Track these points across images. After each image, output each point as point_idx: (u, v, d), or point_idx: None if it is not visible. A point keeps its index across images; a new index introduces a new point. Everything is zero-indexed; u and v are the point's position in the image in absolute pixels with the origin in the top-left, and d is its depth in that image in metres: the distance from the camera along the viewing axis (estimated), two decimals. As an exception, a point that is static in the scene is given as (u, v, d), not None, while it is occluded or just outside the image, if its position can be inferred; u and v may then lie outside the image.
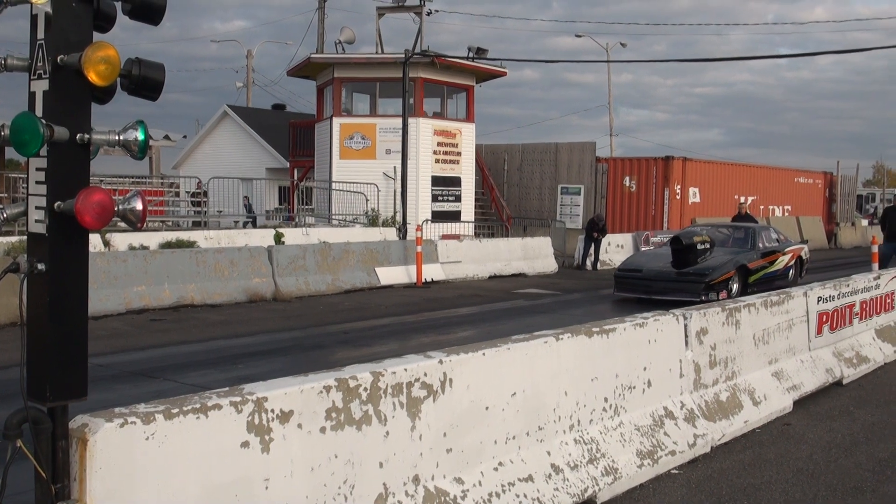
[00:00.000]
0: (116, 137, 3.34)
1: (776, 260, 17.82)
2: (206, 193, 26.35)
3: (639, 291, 16.51)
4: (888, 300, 11.22)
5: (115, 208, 3.28)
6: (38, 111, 3.28)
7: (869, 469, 6.44)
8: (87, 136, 3.29)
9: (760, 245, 17.68)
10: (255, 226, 26.17)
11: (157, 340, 11.85)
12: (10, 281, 3.91)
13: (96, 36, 3.38)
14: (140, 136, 3.33)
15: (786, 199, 37.51)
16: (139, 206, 3.35)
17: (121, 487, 3.37)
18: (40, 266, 3.30)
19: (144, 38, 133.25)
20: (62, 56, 3.22)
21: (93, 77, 3.18)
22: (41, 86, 3.29)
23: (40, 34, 3.29)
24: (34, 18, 3.31)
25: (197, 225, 24.29)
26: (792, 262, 18.52)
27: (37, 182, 3.32)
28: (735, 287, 16.15)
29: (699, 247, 16.23)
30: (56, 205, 3.26)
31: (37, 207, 3.33)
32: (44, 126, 3.15)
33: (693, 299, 14.27)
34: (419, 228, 20.50)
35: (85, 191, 3.20)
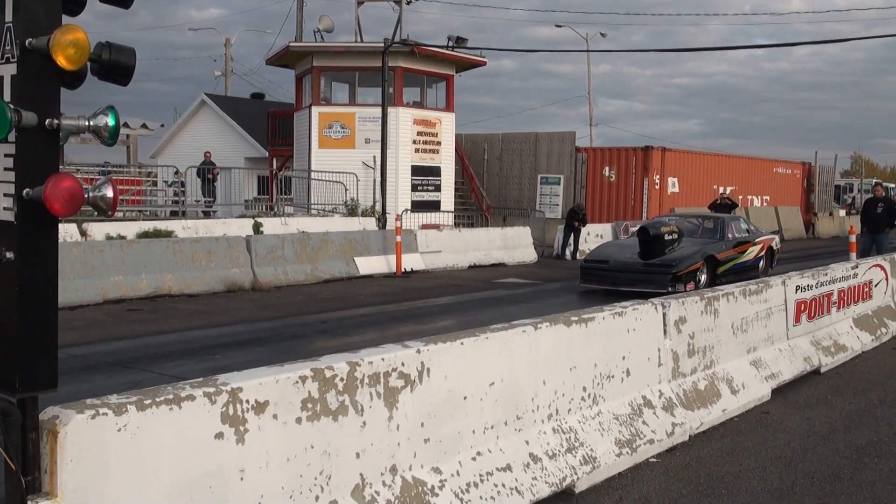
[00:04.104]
0: (86, 123, 3.28)
1: (746, 250, 17.69)
2: (183, 184, 26.03)
3: (605, 283, 16.24)
4: (866, 289, 11.29)
5: (85, 196, 3.21)
6: (6, 96, 3.21)
7: (846, 456, 6.47)
8: (56, 121, 3.22)
9: (730, 235, 17.50)
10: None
11: (133, 330, 11.75)
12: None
13: (66, 19, 3.31)
14: (110, 121, 3.27)
15: (764, 189, 37.71)
16: (109, 193, 3.27)
17: (93, 480, 3.32)
18: (9, 255, 3.23)
19: (119, 27, 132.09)
20: (30, 40, 3.15)
21: (61, 61, 3.11)
22: (9, 70, 3.22)
23: (8, 17, 3.22)
24: (1, 1, 3.24)
25: (175, 214, 24.07)
26: (762, 253, 18.38)
27: (5, 168, 3.25)
28: (703, 278, 15.97)
29: (667, 237, 15.95)
30: (25, 192, 3.19)
31: (5, 195, 3.26)
32: (12, 111, 3.08)
33: (660, 291, 14.09)
34: (399, 218, 20.44)
35: (54, 177, 3.14)
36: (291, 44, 28.29)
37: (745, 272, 17.12)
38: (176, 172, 27.58)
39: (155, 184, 28.35)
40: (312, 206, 26.37)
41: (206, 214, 25.64)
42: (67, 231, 16.77)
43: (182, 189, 26.62)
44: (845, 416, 7.69)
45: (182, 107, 43.43)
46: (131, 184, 27.18)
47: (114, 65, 3.29)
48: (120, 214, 22.30)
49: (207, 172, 27.03)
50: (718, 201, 24.42)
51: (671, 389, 6.92)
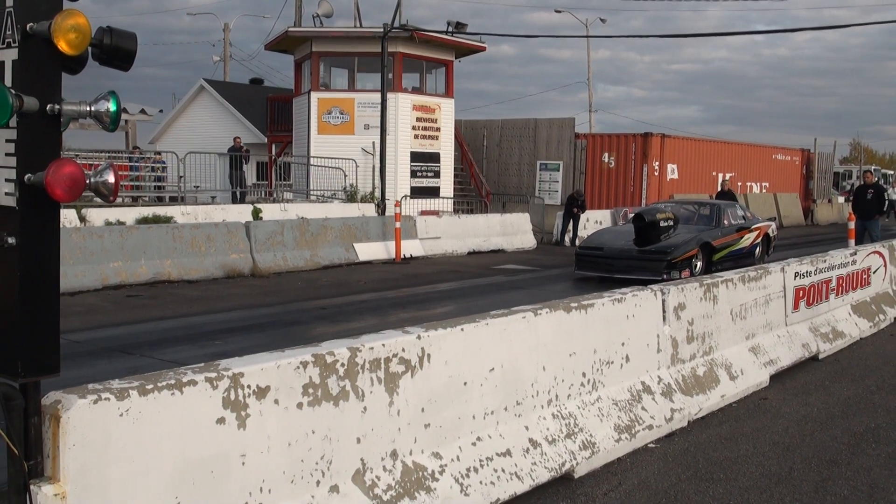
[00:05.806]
0: (87, 108, 3.26)
1: (742, 237, 17.64)
2: (164, 168, 25.98)
3: (600, 270, 16.12)
4: (864, 276, 11.31)
5: (87, 181, 3.20)
6: (7, 81, 3.20)
7: (844, 442, 6.50)
8: (57, 106, 3.21)
9: (726, 222, 17.42)
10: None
11: (133, 316, 11.76)
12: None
13: (67, 4, 3.30)
14: (112, 106, 3.25)
15: (763, 176, 37.69)
16: (111, 178, 3.27)
17: (95, 464, 3.33)
18: (10, 240, 3.22)
19: (117, 12, 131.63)
20: (31, 24, 3.14)
21: (63, 46, 3.10)
22: (10, 55, 3.21)
23: (9, 2, 3.21)
24: (1, -15, 3.23)
25: (173, 200, 24.04)
26: (759, 240, 18.32)
27: (6, 154, 3.24)
28: (698, 265, 15.90)
29: (662, 224, 15.83)
30: (26, 177, 3.18)
31: (6, 180, 3.25)
32: (13, 96, 3.07)
33: (655, 278, 14.05)
34: (398, 204, 20.44)
35: (55, 163, 3.13)
36: (290, 29, 28.20)
37: (741, 259, 17.09)
38: (157, 153, 27.42)
39: (153, 169, 28.28)
40: (311, 192, 26.34)
41: (235, 200, 25.22)
42: (67, 216, 16.76)
43: (164, 174, 26.58)
44: (843, 402, 7.72)
45: (181, 92, 43.37)
46: (130, 170, 27.13)
47: (115, 50, 3.28)
48: (123, 200, 22.30)
49: (238, 158, 26.53)
50: (722, 189, 24.41)
51: (670, 375, 6.94)
